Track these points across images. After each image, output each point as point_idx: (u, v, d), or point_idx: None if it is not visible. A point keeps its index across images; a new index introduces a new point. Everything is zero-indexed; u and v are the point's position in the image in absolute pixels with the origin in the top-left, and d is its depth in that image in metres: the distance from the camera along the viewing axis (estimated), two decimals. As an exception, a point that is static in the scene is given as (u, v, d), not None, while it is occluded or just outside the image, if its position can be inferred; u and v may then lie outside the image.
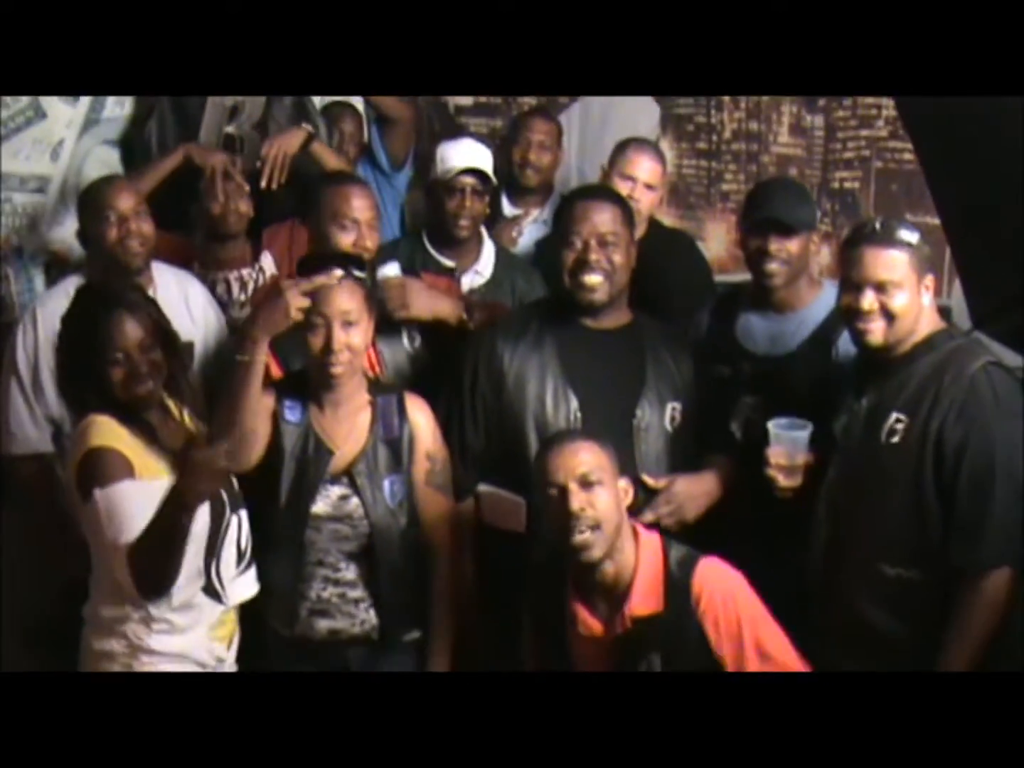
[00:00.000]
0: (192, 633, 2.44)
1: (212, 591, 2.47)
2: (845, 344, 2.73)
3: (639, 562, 2.39)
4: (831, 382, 2.73)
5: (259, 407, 2.53)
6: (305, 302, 2.47)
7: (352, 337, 2.53)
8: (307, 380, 2.63)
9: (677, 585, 2.36)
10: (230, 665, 2.55)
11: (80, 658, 2.46)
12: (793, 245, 2.80)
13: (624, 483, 2.44)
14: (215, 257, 3.37)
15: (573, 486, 2.35)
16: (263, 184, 3.50)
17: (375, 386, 2.68)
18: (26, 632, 2.62)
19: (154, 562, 2.30)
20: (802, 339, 2.84)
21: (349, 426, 2.61)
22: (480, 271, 3.26)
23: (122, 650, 2.40)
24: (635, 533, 2.44)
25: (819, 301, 2.86)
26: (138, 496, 2.31)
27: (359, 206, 2.90)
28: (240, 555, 2.52)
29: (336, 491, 2.59)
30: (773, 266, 2.80)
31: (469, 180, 3.17)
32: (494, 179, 3.22)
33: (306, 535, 2.58)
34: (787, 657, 2.36)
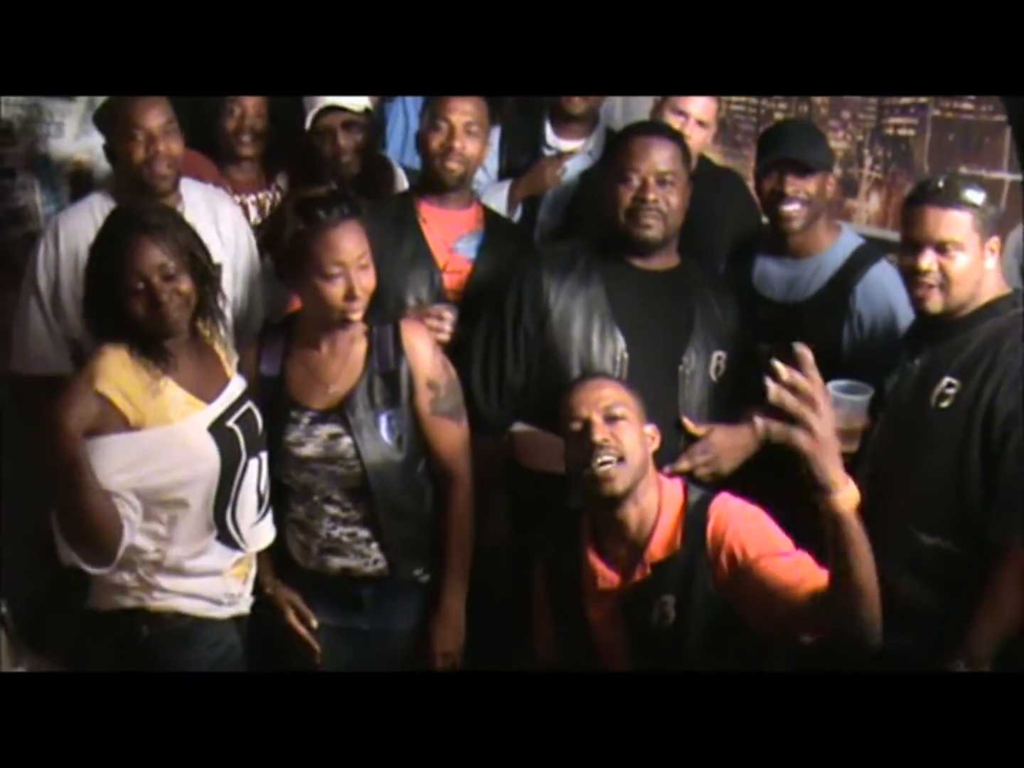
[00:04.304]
0: (206, 577, 2.39)
1: (228, 539, 2.41)
2: (864, 291, 2.69)
3: (661, 509, 2.33)
4: (851, 332, 2.69)
5: None
6: None
7: (367, 280, 2.44)
8: (286, 331, 2.55)
9: (692, 520, 2.29)
10: (245, 599, 2.51)
11: (91, 588, 2.38)
12: (810, 185, 2.75)
13: (651, 429, 2.39)
14: (231, 178, 3.26)
15: (597, 418, 2.31)
16: None
17: (369, 314, 2.54)
18: (29, 556, 2.54)
19: (80, 531, 2.20)
20: (819, 285, 2.78)
21: (343, 360, 2.51)
22: None
23: (134, 583, 2.34)
24: (659, 483, 2.37)
25: (837, 246, 2.81)
26: (123, 448, 2.22)
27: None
28: (260, 500, 2.45)
29: (326, 430, 2.49)
30: (791, 207, 2.75)
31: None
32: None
33: (301, 478, 2.51)
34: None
